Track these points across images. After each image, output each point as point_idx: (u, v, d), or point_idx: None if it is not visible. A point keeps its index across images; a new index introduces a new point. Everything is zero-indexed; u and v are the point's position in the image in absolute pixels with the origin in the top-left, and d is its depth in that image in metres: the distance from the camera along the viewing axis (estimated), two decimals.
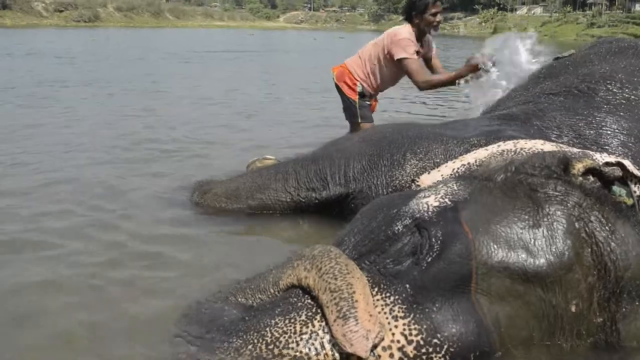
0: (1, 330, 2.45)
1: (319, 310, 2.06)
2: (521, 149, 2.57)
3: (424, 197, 2.26)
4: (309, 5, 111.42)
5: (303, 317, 2.07)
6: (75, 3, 51.43)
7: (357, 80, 4.99)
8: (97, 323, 2.51)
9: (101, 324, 2.50)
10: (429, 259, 2.05)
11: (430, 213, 2.16)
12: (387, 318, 2.01)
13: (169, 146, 5.85)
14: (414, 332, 2.00)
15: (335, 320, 1.96)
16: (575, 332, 2.13)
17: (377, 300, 2.05)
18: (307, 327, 2.05)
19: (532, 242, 2.07)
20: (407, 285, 2.05)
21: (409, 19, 4.86)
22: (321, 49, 26.71)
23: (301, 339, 2.03)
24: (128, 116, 7.55)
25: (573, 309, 2.10)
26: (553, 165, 2.24)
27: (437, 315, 2.01)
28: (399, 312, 2.02)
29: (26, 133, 6.27)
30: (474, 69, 4.46)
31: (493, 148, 2.67)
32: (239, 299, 2.29)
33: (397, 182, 3.21)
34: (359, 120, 5.03)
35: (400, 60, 4.72)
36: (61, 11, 50.03)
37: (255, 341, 2.04)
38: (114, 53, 19.50)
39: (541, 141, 2.68)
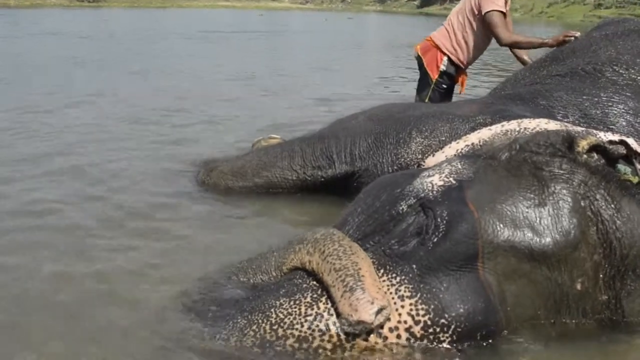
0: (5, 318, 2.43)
1: (324, 292, 2.06)
2: (525, 128, 2.57)
3: (428, 176, 2.26)
4: None
5: (308, 299, 2.07)
6: None
7: (445, 54, 4.79)
8: (102, 303, 2.51)
9: (105, 306, 2.49)
10: (435, 239, 2.05)
11: (435, 192, 2.16)
12: (393, 298, 2.01)
13: (185, 123, 5.90)
14: (421, 312, 2.00)
15: (342, 295, 1.95)
16: (581, 310, 2.15)
17: (383, 281, 2.04)
18: (312, 308, 2.04)
19: (538, 221, 2.07)
20: (414, 266, 2.05)
21: None
22: (333, 29, 26.55)
23: (306, 321, 2.02)
24: (145, 95, 7.59)
25: (578, 287, 2.11)
26: (557, 143, 2.23)
27: (445, 295, 2.01)
28: (405, 292, 2.02)
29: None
30: (562, 43, 4.23)
31: (497, 128, 2.67)
32: (241, 279, 2.30)
33: (402, 160, 3.21)
34: (426, 102, 4.85)
35: (489, 12, 4.50)
36: None
37: (260, 321, 2.04)
38: (131, 34, 19.39)
39: (545, 120, 2.68)
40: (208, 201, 3.68)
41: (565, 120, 3.00)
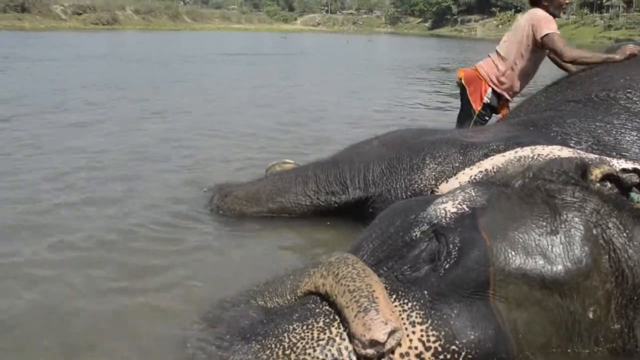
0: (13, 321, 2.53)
1: (336, 317, 2.07)
2: (538, 155, 2.59)
3: (442, 202, 2.28)
4: (326, 8, 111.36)
5: (321, 324, 2.08)
6: (93, 6, 51.59)
7: (490, 86, 4.79)
8: (116, 324, 2.56)
9: (120, 327, 2.54)
10: (447, 266, 2.06)
11: (447, 219, 2.18)
12: (405, 324, 2.02)
13: (202, 147, 5.98)
14: (432, 339, 2.00)
15: (356, 315, 1.95)
16: (593, 339, 2.14)
17: (395, 306, 2.05)
18: (325, 333, 2.05)
19: (550, 249, 2.08)
20: (425, 292, 2.06)
21: (536, 3, 4.67)
22: (356, 51, 26.72)
23: (318, 345, 2.03)
24: (160, 116, 7.81)
25: (591, 315, 2.11)
26: (570, 171, 2.25)
27: (455, 322, 2.02)
28: (417, 318, 2.03)
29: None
30: (630, 57, 4.13)
31: (510, 154, 2.69)
32: (258, 302, 2.31)
33: (416, 186, 3.24)
34: None
35: (546, 36, 4.46)
36: (80, 14, 50.22)
37: (273, 346, 2.05)
38: (148, 55, 19.84)
39: (558, 147, 2.69)
40: (222, 226, 3.72)
41: (579, 147, 3.01)
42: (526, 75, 4.78)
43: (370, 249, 2.29)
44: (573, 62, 4.50)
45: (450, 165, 3.16)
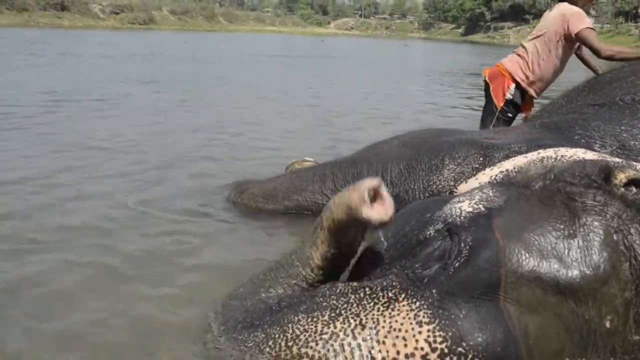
0: (25, 319, 2.52)
1: (342, 312, 2.04)
2: (562, 156, 2.50)
3: (458, 202, 2.22)
4: (359, 12, 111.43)
5: (326, 317, 2.05)
6: (130, 5, 52.44)
7: (514, 82, 4.75)
8: (129, 318, 2.57)
9: (133, 319, 2.55)
10: (457, 264, 2.00)
11: (462, 218, 2.12)
12: (411, 324, 1.97)
13: (229, 142, 6.07)
14: (439, 340, 1.94)
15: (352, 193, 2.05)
16: (609, 349, 2.04)
17: (403, 305, 2.00)
18: (329, 327, 2.02)
19: (567, 253, 1.99)
20: (434, 291, 2.00)
21: None
22: (392, 55, 26.71)
23: (321, 339, 2.00)
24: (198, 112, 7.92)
25: (607, 324, 2.01)
26: (594, 175, 2.16)
27: (463, 323, 1.95)
28: (424, 317, 1.97)
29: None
30: None
31: (533, 155, 2.60)
32: (270, 290, 2.31)
33: (434, 187, 3.17)
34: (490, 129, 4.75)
35: (580, 31, 4.44)
36: (117, 13, 51.04)
37: (277, 336, 2.04)
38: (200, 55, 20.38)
39: (582, 150, 2.60)
40: (236, 222, 3.71)
41: (603, 151, 2.92)
42: (553, 71, 4.70)
43: (384, 247, 2.25)
44: (611, 58, 4.42)
45: (470, 167, 3.09)
